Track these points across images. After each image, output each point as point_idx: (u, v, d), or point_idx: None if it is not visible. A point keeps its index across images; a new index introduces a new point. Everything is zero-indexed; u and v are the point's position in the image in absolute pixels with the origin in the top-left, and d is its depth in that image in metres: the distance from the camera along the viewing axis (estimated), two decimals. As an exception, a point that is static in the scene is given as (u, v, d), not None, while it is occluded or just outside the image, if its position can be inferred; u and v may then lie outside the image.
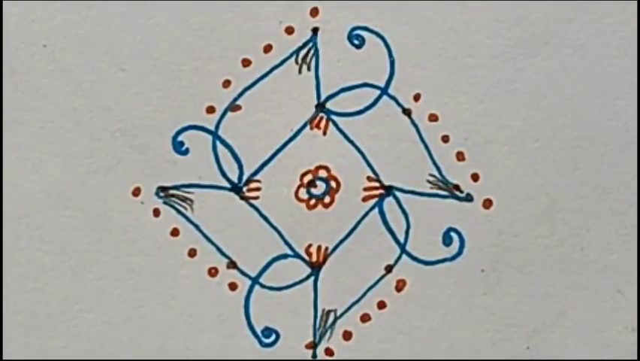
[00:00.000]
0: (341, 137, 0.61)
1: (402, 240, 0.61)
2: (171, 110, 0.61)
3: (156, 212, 0.61)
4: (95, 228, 0.61)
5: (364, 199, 0.61)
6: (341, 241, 0.61)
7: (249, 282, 0.61)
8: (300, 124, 0.61)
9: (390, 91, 0.61)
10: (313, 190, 0.61)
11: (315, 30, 0.61)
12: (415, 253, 0.61)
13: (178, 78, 0.61)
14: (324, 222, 0.61)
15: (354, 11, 0.61)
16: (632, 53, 0.62)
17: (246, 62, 0.61)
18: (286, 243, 0.61)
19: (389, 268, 0.61)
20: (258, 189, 0.61)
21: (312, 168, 0.61)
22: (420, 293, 0.61)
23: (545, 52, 0.61)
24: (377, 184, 0.61)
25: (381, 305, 0.61)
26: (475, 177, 0.61)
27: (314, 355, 0.61)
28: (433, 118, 0.61)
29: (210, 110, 0.61)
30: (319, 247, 0.61)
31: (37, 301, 0.61)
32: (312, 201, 0.61)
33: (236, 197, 0.61)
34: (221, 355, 0.61)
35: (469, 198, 0.61)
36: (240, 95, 0.61)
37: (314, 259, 0.61)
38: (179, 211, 0.61)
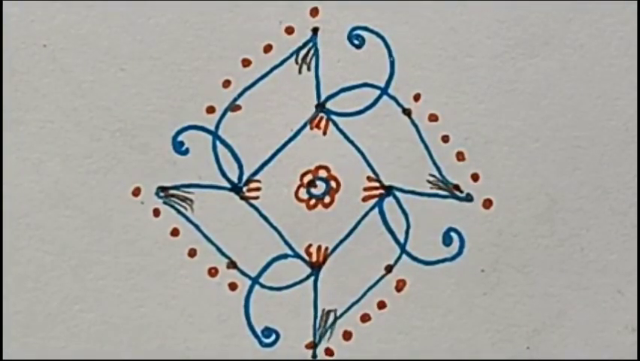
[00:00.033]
0: (341, 137, 0.61)
1: (402, 240, 0.61)
2: (171, 110, 0.61)
3: (156, 212, 0.61)
4: (95, 228, 0.61)
5: (364, 199, 0.61)
6: (341, 241, 0.61)
7: (249, 282, 0.61)
8: (300, 124, 0.61)
9: (390, 91, 0.61)
10: (313, 190, 0.61)
11: (315, 30, 0.61)
12: (415, 253, 0.61)
13: (178, 78, 0.61)
14: (324, 222, 0.61)
15: (354, 11, 0.61)
16: (632, 53, 0.62)
17: (246, 62, 0.61)
18: (286, 243, 0.61)
19: (389, 268, 0.61)
20: (258, 189, 0.61)
21: (312, 168, 0.61)
22: (420, 293, 0.61)
23: (545, 52, 0.61)
24: (377, 184, 0.61)
25: (381, 305, 0.61)
26: (475, 177, 0.61)
27: (314, 355, 0.61)
28: (433, 118, 0.61)
29: (210, 110, 0.61)
30: (319, 247, 0.61)
31: (37, 301, 0.61)
32: (312, 201, 0.61)
33: (237, 197, 0.61)
34: (221, 355, 0.61)
35: (469, 198, 0.61)
36: (240, 95, 0.61)
37: (314, 259, 0.61)
38: (179, 211, 0.61)
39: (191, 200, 0.61)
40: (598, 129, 0.62)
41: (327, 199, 0.61)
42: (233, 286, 0.61)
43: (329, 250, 0.61)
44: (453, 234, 0.61)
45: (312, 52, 0.61)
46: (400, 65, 0.61)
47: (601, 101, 0.62)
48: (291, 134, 0.61)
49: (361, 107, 0.61)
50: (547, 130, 0.61)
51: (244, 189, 0.61)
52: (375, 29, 0.61)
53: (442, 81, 0.61)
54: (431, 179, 0.61)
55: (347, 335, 0.61)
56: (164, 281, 0.61)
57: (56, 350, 0.61)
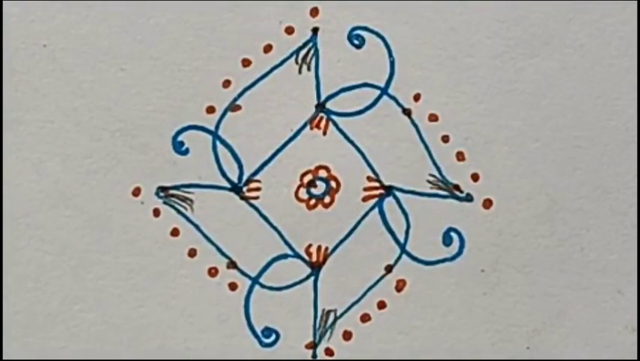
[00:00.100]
0: (341, 137, 0.61)
1: (402, 240, 0.61)
2: (171, 110, 0.61)
3: (156, 212, 0.61)
4: (95, 228, 0.61)
5: (364, 199, 0.61)
6: (341, 241, 0.61)
7: (249, 282, 0.61)
8: (300, 124, 0.61)
9: (390, 91, 0.61)
10: (313, 190, 0.61)
11: (315, 30, 0.61)
12: (415, 253, 0.61)
13: (178, 78, 0.61)
14: (324, 222, 0.61)
15: (354, 11, 0.61)
16: (632, 53, 0.62)
17: (246, 62, 0.61)
18: (286, 243, 0.61)
19: (389, 268, 0.61)
20: (258, 189, 0.61)
21: (312, 168, 0.61)
22: (420, 293, 0.61)
23: (545, 52, 0.61)
24: (377, 184, 0.61)
25: (381, 305, 0.61)
26: (475, 177, 0.61)
27: (314, 355, 0.61)
28: (433, 118, 0.61)
29: (210, 110, 0.61)
30: (319, 247, 0.61)
31: (37, 301, 0.61)
32: (312, 201, 0.61)
33: (237, 197, 0.61)
34: (221, 355, 0.61)
35: (469, 198, 0.61)
36: (240, 95, 0.61)
37: (314, 259, 0.61)
38: (179, 211, 0.61)
39: (191, 200, 0.61)
40: (598, 129, 0.62)
41: (327, 199, 0.61)
42: (233, 286, 0.61)
43: (329, 250, 0.61)
44: (453, 234, 0.61)
45: (312, 52, 0.61)
46: (400, 65, 0.61)
47: (601, 101, 0.62)
48: (291, 134, 0.61)
49: (361, 107, 0.61)
50: (547, 130, 0.61)
51: (244, 189, 0.61)
52: (375, 29, 0.61)
53: (442, 81, 0.61)
54: (431, 179, 0.61)
55: (347, 335, 0.61)
56: (164, 281, 0.61)
57: (56, 350, 0.61)
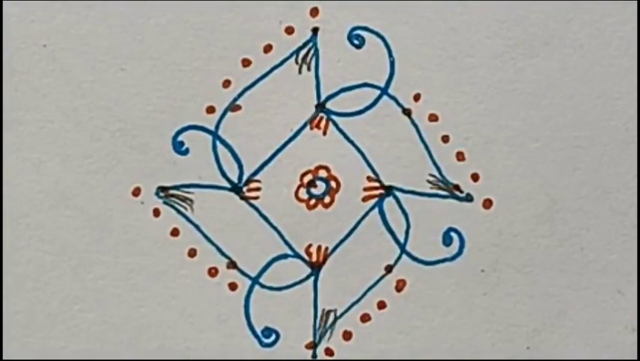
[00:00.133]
0: (341, 137, 0.61)
1: (402, 240, 0.61)
2: (171, 110, 0.61)
3: (156, 212, 0.61)
4: (95, 228, 0.61)
5: (364, 199, 0.61)
6: (341, 241, 0.61)
7: (249, 282, 0.61)
8: (300, 124, 0.61)
9: (390, 91, 0.61)
10: (313, 190, 0.61)
11: (315, 30, 0.61)
12: (415, 253, 0.61)
13: (178, 78, 0.61)
14: (324, 222, 0.61)
15: (354, 11, 0.61)
16: (632, 53, 0.62)
17: (246, 62, 0.61)
18: (286, 243, 0.61)
19: (389, 268, 0.61)
20: (258, 189, 0.61)
21: (312, 168, 0.61)
22: (420, 293, 0.61)
23: (545, 52, 0.61)
24: (377, 184, 0.61)
25: (381, 305, 0.61)
26: (475, 177, 0.61)
27: (314, 355, 0.61)
28: (433, 118, 0.61)
29: (210, 110, 0.61)
30: (319, 247, 0.61)
31: (37, 301, 0.61)
32: (312, 201, 0.61)
33: (237, 197, 0.61)
34: (221, 355, 0.61)
35: (469, 198, 0.61)
36: (240, 95, 0.61)
37: (314, 259, 0.61)
38: (179, 211, 0.61)
39: (191, 200, 0.61)
40: (598, 129, 0.62)
41: (327, 199, 0.61)
42: (233, 286, 0.61)
43: (329, 250, 0.61)
44: (453, 234, 0.61)
45: (312, 52, 0.61)
46: (400, 65, 0.61)
47: (601, 101, 0.62)
48: (291, 134, 0.61)
49: (361, 107, 0.61)
50: (547, 130, 0.61)
51: (244, 189, 0.61)
52: (375, 29, 0.61)
53: (442, 81, 0.61)
54: (431, 179, 0.61)
55: (347, 335, 0.61)
56: (164, 281, 0.61)
57: (56, 350, 0.61)
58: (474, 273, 0.61)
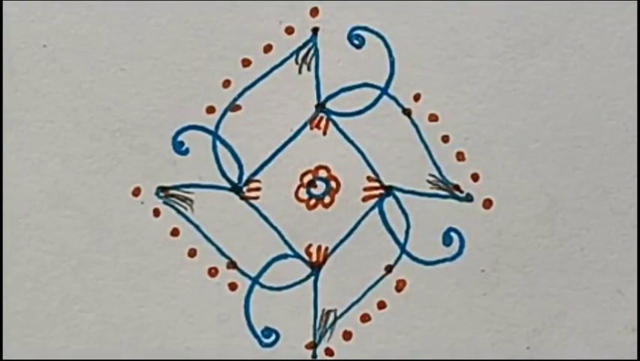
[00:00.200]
0: (341, 137, 0.61)
1: (402, 240, 0.61)
2: (171, 110, 0.61)
3: (156, 212, 0.61)
4: (95, 228, 0.61)
5: (364, 199, 0.61)
6: (341, 241, 0.61)
7: (249, 282, 0.61)
8: (300, 124, 0.61)
9: (390, 91, 0.61)
10: (313, 190, 0.61)
11: (315, 30, 0.61)
12: (415, 253, 0.61)
13: (178, 78, 0.61)
14: (324, 222, 0.61)
15: (354, 11, 0.61)
16: (632, 53, 0.62)
17: (246, 62, 0.61)
18: (286, 243, 0.61)
19: (389, 268, 0.61)
20: (258, 189, 0.61)
21: (312, 168, 0.61)
22: (420, 293, 0.61)
23: (545, 52, 0.61)
24: (377, 184, 0.61)
25: (381, 305, 0.61)
26: (475, 177, 0.61)
27: (314, 355, 0.61)
28: (433, 118, 0.61)
29: (210, 110, 0.61)
30: (319, 247, 0.61)
31: (37, 301, 0.61)
32: (312, 201, 0.61)
33: (237, 197, 0.61)
34: (221, 355, 0.61)
35: (469, 198, 0.61)
36: (240, 95, 0.61)
37: (314, 259, 0.61)
38: (179, 211, 0.61)
39: (191, 200, 0.61)
40: (598, 129, 0.62)
41: (327, 199, 0.61)
42: (233, 286, 0.61)
43: (329, 250, 0.61)
44: (453, 234, 0.61)
45: (312, 52, 0.61)
46: (400, 65, 0.61)
47: (601, 101, 0.62)
48: (291, 134, 0.61)
49: (361, 107, 0.61)
50: (547, 130, 0.61)
51: (244, 189, 0.61)
52: (375, 29, 0.61)
53: (442, 81, 0.61)
54: (431, 179, 0.61)
55: (347, 335, 0.61)
56: (164, 281, 0.61)
57: (56, 350, 0.61)
58: (474, 273, 0.61)
